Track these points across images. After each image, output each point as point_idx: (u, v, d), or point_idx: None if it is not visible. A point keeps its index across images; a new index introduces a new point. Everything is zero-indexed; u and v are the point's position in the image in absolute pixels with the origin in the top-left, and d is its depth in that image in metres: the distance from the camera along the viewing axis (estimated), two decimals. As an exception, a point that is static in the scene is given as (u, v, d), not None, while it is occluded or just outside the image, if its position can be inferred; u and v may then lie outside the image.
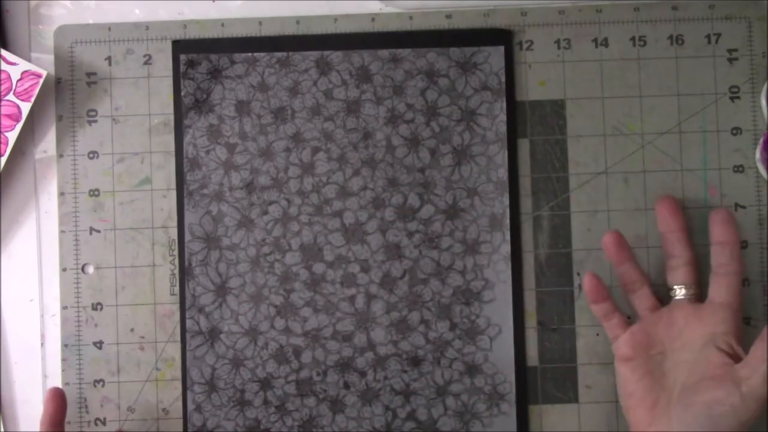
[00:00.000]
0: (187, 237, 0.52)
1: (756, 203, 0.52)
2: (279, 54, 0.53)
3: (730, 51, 0.53)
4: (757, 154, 0.52)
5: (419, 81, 0.53)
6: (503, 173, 0.52)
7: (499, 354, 0.52)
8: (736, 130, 0.53)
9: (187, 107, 0.53)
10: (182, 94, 0.53)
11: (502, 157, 0.52)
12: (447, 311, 0.52)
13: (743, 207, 0.52)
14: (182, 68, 0.53)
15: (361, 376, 0.52)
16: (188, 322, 0.52)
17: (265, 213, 0.52)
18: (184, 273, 0.52)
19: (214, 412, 0.52)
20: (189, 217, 0.52)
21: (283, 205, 0.52)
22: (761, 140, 0.52)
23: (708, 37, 0.53)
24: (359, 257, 0.52)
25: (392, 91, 0.53)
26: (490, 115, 0.52)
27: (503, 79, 0.53)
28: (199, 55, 0.53)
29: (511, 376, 0.52)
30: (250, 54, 0.53)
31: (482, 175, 0.52)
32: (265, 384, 0.52)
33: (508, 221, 0.52)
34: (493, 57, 0.53)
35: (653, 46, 0.53)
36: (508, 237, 0.52)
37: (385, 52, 0.53)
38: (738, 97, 0.53)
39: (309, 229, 0.52)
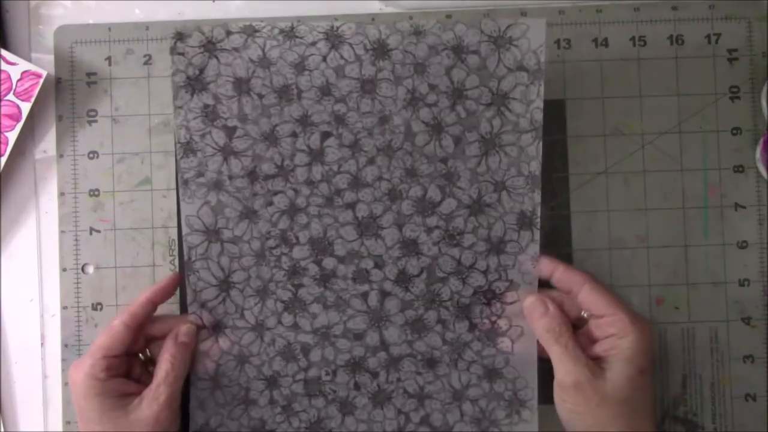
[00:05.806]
0: (185, 230, 0.48)
1: (756, 203, 0.52)
2: (282, 24, 0.47)
3: (730, 51, 0.53)
4: (757, 154, 0.52)
5: (444, 58, 0.47)
6: (536, 166, 0.47)
7: (521, 358, 0.48)
8: (736, 130, 0.53)
9: (177, 86, 0.47)
10: (172, 71, 0.47)
11: (535, 148, 0.47)
12: (466, 311, 0.48)
13: (743, 207, 0.52)
14: (171, 42, 0.47)
15: (372, 377, 0.49)
16: (191, 317, 0.49)
17: (270, 204, 0.48)
18: (184, 267, 0.49)
19: (217, 410, 0.49)
20: (186, 209, 0.48)
21: (290, 195, 0.48)
22: (761, 140, 0.52)
23: (708, 37, 0.53)
24: (373, 252, 0.48)
25: (413, 69, 0.47)
26: (525, 99, 0.47)
27: (542, 59, 0.46)
28: (189, 26, 0.47)
29: (534, 382, 0.48)
30: (248, 23, 0.47)
31: (512, 167, 0.47)
32: (272, 382, 0.49)
33: (538, 220, 0.48)
34: (532, 31, 0.46)
35: (653, 46, 0.53)
36: (537, 237, 0.48)
37: (405, 24, 0.46)
38: (738, 97, 0.53)
39: (318, 221, 0.48)
